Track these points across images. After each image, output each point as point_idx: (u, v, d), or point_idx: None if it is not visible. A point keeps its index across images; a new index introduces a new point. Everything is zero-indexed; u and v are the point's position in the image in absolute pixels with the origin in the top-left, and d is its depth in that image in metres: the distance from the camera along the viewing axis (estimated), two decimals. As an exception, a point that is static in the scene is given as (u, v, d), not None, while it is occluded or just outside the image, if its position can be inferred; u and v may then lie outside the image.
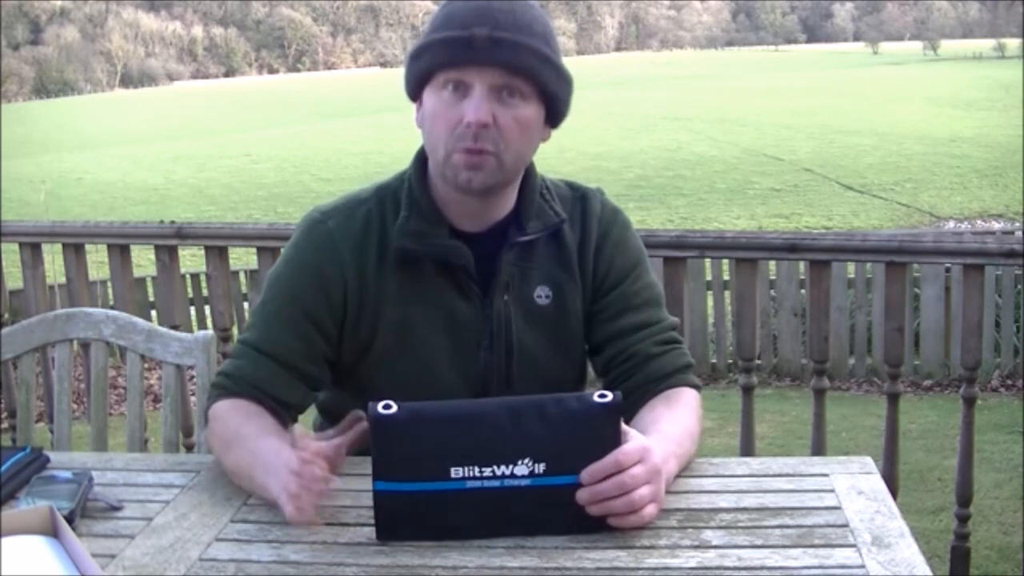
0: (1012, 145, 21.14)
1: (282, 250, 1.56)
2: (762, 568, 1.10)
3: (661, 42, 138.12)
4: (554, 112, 1.42)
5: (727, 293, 5.96)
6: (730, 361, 6.16)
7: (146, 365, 2.10)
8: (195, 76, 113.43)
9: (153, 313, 5.70)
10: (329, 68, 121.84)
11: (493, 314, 1.45)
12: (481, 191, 1.39)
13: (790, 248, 2.68)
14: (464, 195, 1.41)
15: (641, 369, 1.46)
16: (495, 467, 1.15)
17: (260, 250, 3.00)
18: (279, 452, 1.27)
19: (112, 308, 2.76)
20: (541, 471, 1.15)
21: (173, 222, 3.22)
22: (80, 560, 1.10)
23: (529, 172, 1.47)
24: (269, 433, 1.34)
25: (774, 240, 2.76)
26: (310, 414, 1.61)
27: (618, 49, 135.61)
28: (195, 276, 6.97)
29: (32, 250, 3.35)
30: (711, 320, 6.73)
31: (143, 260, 5.76)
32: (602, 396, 1.17)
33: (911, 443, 4.36)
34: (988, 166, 20.26)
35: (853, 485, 1.30)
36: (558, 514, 1.17)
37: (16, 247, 3.36)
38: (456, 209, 1.44)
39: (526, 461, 1.15)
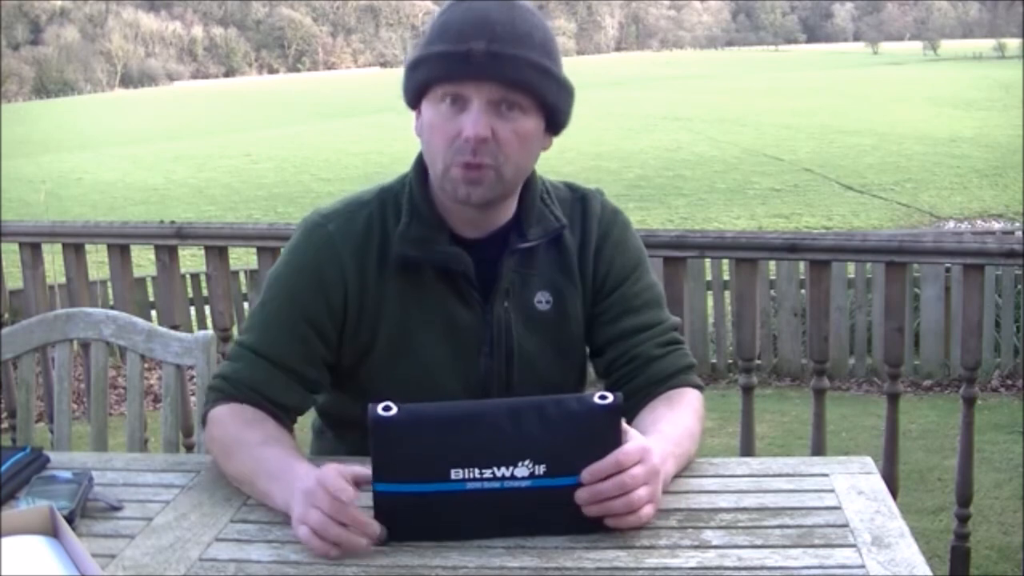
0: (1012, 145, 21.14)
1: (282, 251, 1.55)
2: (762, 568, 1.10)
3: (661, 42, 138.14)
4: (554, 122, 1.41)
5: (727, 293, 5.96)
6: (730, 361, 6.15)
7: (146, 365, 2.10)
8: (195, 76, 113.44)
9: (153, 313, 5.70)
10: (329, 68, 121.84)
11: (493, 320, 1.45)
12: (480, 205, 1.39)
13: (790, 248, 2.68)
14: (464, 207, 1.40)
15: (643, 371, 1.46)
16: (495, 468, 1.14)
17: (260, 250, 3.00)
18: (285, 462, 1.28)
19: (112, 308, 2.76)
20: (541, 472, 1.15)
21: (173, 222, 3.22)
22: (80, 560, 1.10)
23: (530, 178, 1.46)
24: (272, 441, 1.34)
25: (774, 240, 2.76)
26: (309, 415, 1.61)
27: (618, 49, 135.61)
28: (195, 276, 6.97)
29: (32, 250, 3.35)
30: (711, 320, 6.73)
31: (143, 260, 5.76)
32: (603, 398, 1.16)
33: (911, 443, 4.36)
34: (988, 166, 20.26)
35: (853, 485, 1.30)
36: (558, 515, 1.17)
37: (16, 247, 3.36)
38: (457, 216, 1.43)
39: (526, 462, 1.15)
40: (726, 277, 5.94)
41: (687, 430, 1.37)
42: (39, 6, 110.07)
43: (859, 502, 1.25)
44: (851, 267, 6.35)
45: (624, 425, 1.20)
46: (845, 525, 1.19)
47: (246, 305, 6.06)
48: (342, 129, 32.15)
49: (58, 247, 3.40)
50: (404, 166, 1.49)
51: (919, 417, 5.04)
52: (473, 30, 1.32)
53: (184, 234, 3.12)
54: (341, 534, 1.14)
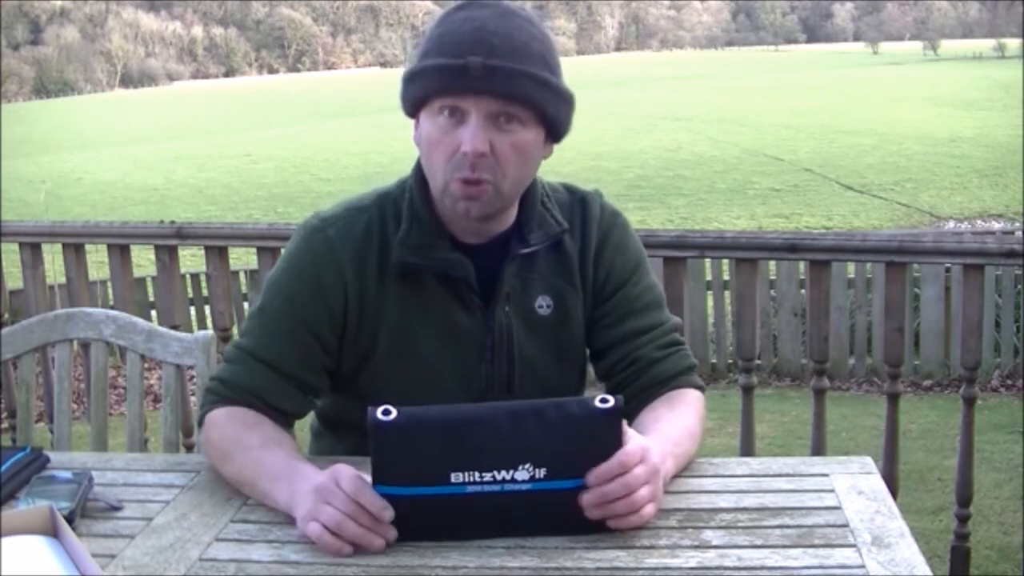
0: (1012, 145, 21.15)
1: (281, 253, 1.54)
2: (762, 568, 1.10)
3: (661, 42, 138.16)
4: (554, 131, 1.40)
5: (727, 293, 5.96)
6: (730, 361, 6.15)
7: (146, 365, 2.10)
8: (195, 76, 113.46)
9: (153, 313, 5.70)
10: (329, 68, 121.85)
11: (495, 325, 1.44)
12: (480, 219, 1.38)
13: (790, 248, 2.68)
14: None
15: (644, 374, 1.46)
16: (495, 472, 1.14)
17: (260, 250, 3.00)
18: (286, 463, 1.28)
19: (112, 308, 2.76)
20: (542, 476, 1.15)
21: (173, 222, 3.22)
22: (80, 560, 1.10)
23: (531, 183, 1.45)
24: (272, 443, 1.34)
25: (774, 240, 2.76)
26: (309, 416, 1.60)
27: (618, 49, 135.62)
28: (195, 276, 6.97)
29: (32, 250, 3.35)
30: (711, 320, 6.73)
31: (143, 260, 5.76)
32: (604, 401, 1.16)
33: (911, 443, 4.36)
34: (988, 166, 20.27)
35: (853, 485, 1.30)
36: (559, 518, 1.17)
37: (16, 247, 3.36)
38: (457, 223, 1.42)
39: (527, 466, 1.14)
40: (726, 277, 5.94)
41: (687, 430, 1.37)
42: (39, 6, 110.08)
43: (859, 502, 1.25)
44: (851, 267, 6.35)
45: (624, 427, 1.20)
46: (845, 525, 1.19)
47: (246, 305, 6.06)
48: (342, 129, 32.15)
49: (58, 247, 3.40)
50: (404, 166, 1.49)
51: (919, 417, 5.04)
52: (470, 43, 1.31)
53: (184, 234, 3.12)
54: (359, 533, 1.14)
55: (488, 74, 1.30)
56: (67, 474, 1.33)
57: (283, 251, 1.51)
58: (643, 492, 1.17)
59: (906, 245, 2.60)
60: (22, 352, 1.90)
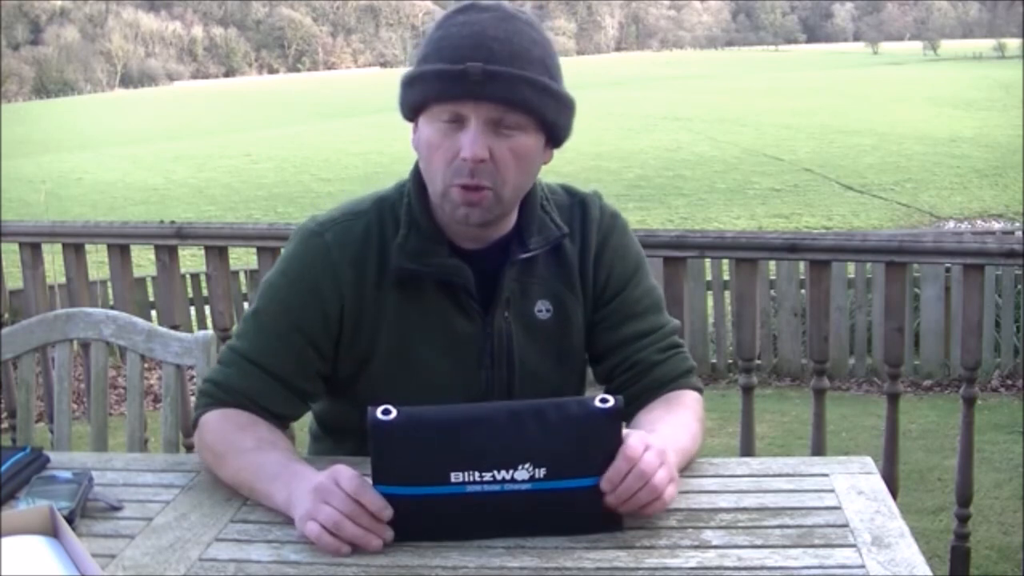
0: (1012, 145, 21.15)
1: (279, 256, 1.53)
2: (762, 568, 1.10)
3: (661, 42, 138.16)
4: (555, 137, 1.39)
5: (727, 293, 5.96)
6: (730, 361, 6.15)
7: (146, 365, 2.10)
8: (195, 76, 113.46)
9: (153, 313, 5.70)
10: (329, 68, 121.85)
11: (494, 331, 1.44)
12: (480, 225, 1.37)
13: (790, 248, 2.67)
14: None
15: (644, 377, 1.46)
16: (495, 472, 1.14)
17: (260, 250, 3.00)
18: (283, 463, 1.28)
19: (112, 308, 2.76)
20: (542, 475, 1.15)
21: (173, 222, 3.22)
22: (80, 560, 1.10)
23: (531, 188, 1.44)
24: (267, 444, 1.34)
25: (774, 240, 2.76)
26: (308, 419, 1.61)
27: (618, 49, 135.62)
28: (195, 276, 6.97)
29: (32, 250, 3.35)
30: (711, 320, 6.73)
31: (143, 260, 5.76)
32: (603, 401, 1.16)
33: (911, 443, 4.36)
34: (988, 166, 20.27)
35: (853, 485, 1.30)
36: (559, 518, 1.17)
37: (16, 247, 3.36)
38: (456, 229, 1.41)
39: (526, 466, 1.15)
40: (726, 277, 5.94)
41: (685, 428, 1.37)
42: (39, 6, 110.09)
43: (859, 502, 1.25)
44: (851, 267, 6.35)
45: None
46: (845, 525, 1.19)
47: (246, 305, 6.05)
48: (342, 129, 32.15)
49: (58, 247, 3.39)
50: (404, 166, 1.48)
51: (919, 417, 5.04)
52: (470, 48, 1.30)
53: (184, 234, 3.12)
54: (358, 533, 1.14)
55: (488, 80, 1.29)
56: (67, 474, 1.33)
57: (280, 254, 1.50)
58: (660, 475, 1.18)
59: (906, 245, 2.60)
60: (22, 352, 1.90)
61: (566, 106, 1.38)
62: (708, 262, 6.38)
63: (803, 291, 5.89)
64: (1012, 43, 66.49)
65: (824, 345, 2.70)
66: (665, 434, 1.30)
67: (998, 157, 20.93)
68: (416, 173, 1.43)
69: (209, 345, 1.82)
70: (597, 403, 1.16)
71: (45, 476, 1.34)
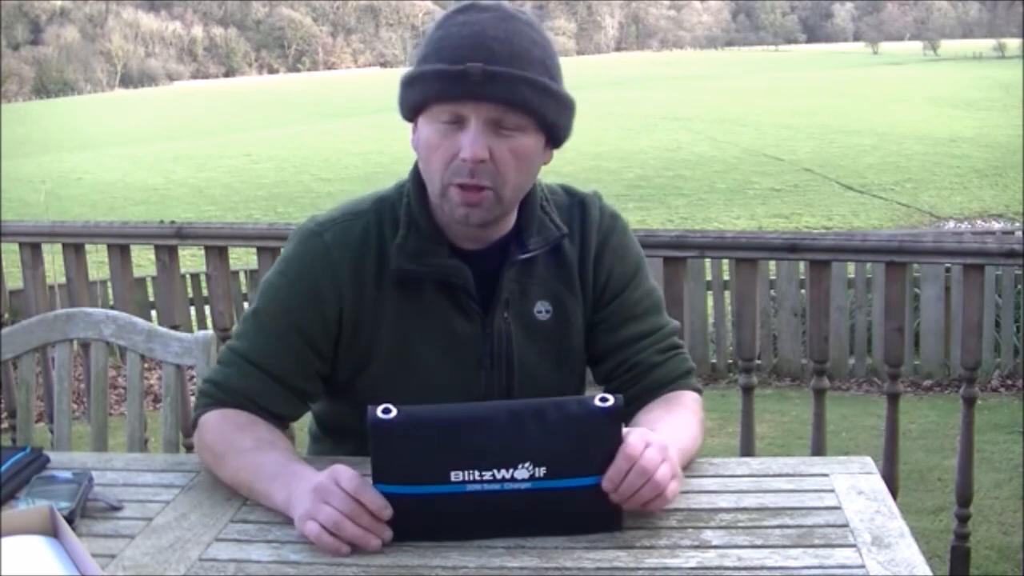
0: (1012, 145, 21.15)
1: (278, 257, 1.53)
2: (762, 568, 1.10)
3: (661, 42, 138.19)
4: (555, 137, 1.39)
5: (727, 293, 5.96)
6: (730, 361, 6.16)
7: (146, 365, 2.10)
8: (195, 76, 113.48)
9: (153, 313, 5.70)
10: (329, 68, 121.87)
11: (493, 332, 1.43)
12: (479, 226, 1.37)
13: (790, 248, 2.68)
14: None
15: (644, 378, 1.46)
16: (495, 471, 1.14)
17: (260, 250, 3.00)
18: (282, 463, 1.28)
19: (112, 308, 2.76)
20: (542, 475, 1.15)
21: (173, 222, 3.22)
22: (80, 560, 1.10)
23: (531, 188, 1.44)
24: (267, 444, 1.34)
25: (774, 240, 2.76)
26: (308, 419, 1.60)
27: (618, 49, 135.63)
28: (195, 276, 6.97)
29: (32, 250, 3.35)
30: (711, 320, 6.73)
31: (143, 260, 5.76)
32: (603, 400, 1.16)
33: (911, 443, 4.36)
34: (988, 166, 20.27)
35: (853, 485, 1.30)
36: (558, 517, 1.17)
37: (16, 247, 3.36)
38: (456, 229, 1.40)
39: (527, 465, 1.15)
40: (726, 277, 5.94)
41: (685, 428, 1.37)
42: (39, 6, 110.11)
43: (859, 502, 1.25)
44: (851, 267, 6.35)
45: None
46: (845, 525, 1.19)
47: (246, 305, 6.05)
48: (342, 129, 32.15)
49: (58, 247, 3.40)
50: (404, 166, 1.48)
51: (919, 417, 5.04)
52: (470, 48, 1.30)
53: (184, 234, 3.12)
54: (357, 533, 1.15)
55: (488, 80, 1.29)
56: (67, 474, 1.33)
57: (279, 255, 1.50)
58: (663, 470, 1.18)
59: (906, 245, 2.60)
60: (22, 352, 1.90)
61: (566, 106, 1.38)
62: (708, 262, 6.38)
63: (803, 291, 5.89)
64: (1012, 43, 66.50)
65: (824, 345, 2.70)
66: (666, 433, 1.30)
67: (998, 157, 20.93)
68: (415, 173, 1.42)
69: (209, 345, 1.82)
70: (597, 402, 1.16)
71: (45, 476, 1.34)
